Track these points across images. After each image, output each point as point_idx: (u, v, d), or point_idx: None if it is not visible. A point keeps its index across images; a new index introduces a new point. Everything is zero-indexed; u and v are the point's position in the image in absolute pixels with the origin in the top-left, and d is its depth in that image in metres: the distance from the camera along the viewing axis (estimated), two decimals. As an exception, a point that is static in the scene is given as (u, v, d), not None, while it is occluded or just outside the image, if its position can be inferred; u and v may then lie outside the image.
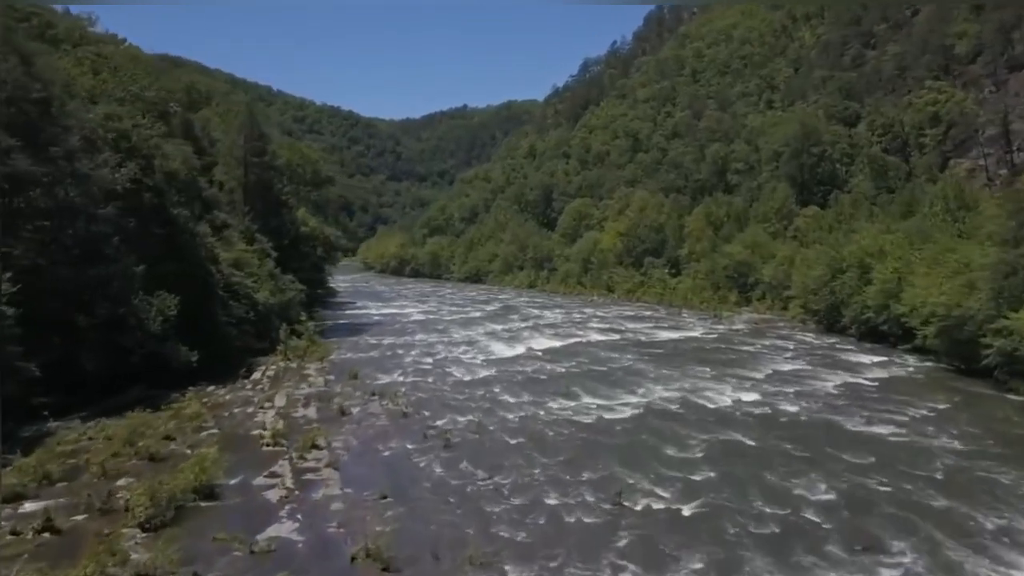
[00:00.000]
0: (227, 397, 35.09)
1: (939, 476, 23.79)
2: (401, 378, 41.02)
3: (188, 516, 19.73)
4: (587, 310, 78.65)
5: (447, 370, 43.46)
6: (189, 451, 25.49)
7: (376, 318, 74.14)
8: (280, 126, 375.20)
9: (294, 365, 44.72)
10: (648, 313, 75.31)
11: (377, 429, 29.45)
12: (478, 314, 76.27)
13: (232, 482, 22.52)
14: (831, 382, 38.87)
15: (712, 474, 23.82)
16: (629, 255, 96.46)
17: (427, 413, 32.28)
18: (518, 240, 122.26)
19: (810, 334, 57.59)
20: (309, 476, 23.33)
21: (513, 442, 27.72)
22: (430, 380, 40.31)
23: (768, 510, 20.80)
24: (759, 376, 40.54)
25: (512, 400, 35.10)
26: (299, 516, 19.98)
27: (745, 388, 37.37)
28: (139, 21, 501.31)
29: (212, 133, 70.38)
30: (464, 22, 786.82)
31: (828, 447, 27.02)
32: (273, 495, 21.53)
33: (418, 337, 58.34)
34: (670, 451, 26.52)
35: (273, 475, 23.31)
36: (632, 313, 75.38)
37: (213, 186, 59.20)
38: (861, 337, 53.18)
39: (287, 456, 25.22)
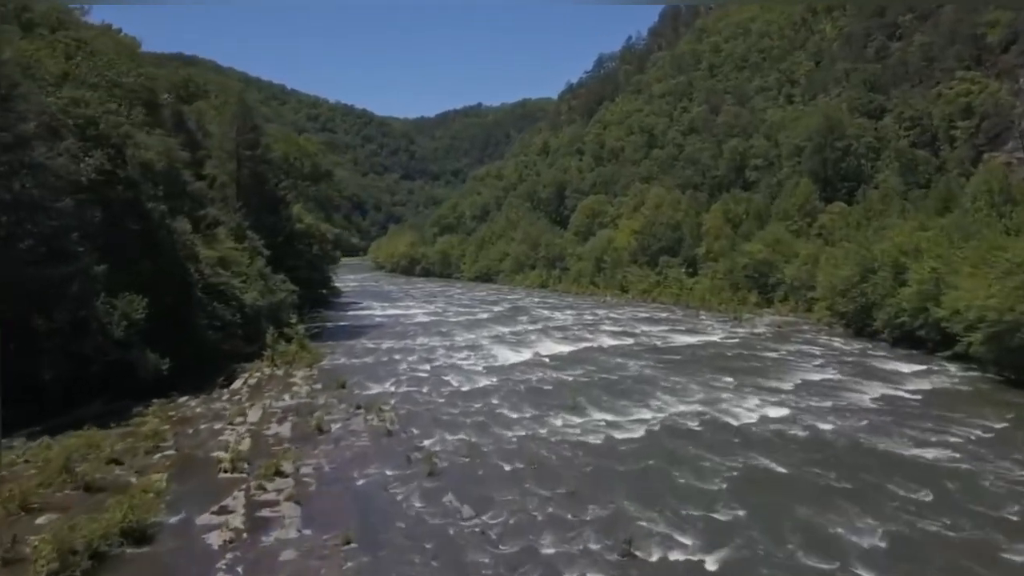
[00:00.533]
0: (197, 410, 31.76)
1: (1011, 516, 20.04)
2: (393, 388, 37.56)
3: (108, 567, 16.42)
4: (599, 311, 74.91)
5: (444, 378, 39.94)
6: (135, 478, 22.16)
7: (378, 319, 70.81)
8: (293, 124, 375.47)
9: (280, 372, 41.44)
10: (664, 315, 71.49)
11: (355, 451, 25.96)
12: (485, 316, 72.75)
13: (172, 520, 19.16)
14: (867, 394, 35.01)
15: (740, 512, 20.18)
16: (644, 254, 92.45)
17: (415, 430, 28.79)
18: (530, 238, 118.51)
19: (838, 338, 53.61)
20: (265, 512, 19.89)
21: (508, 468, 24.17)
22: (424, 390, 36.79)
23: (809, 562, 17.21)
24: (786, 387, 36.73)
25: (512, 415, 31.52)
26: (240, 569, 16.54)
27: (771, 402, 33.61)
28: (153, 21, 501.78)
29: (208, 126, 67.15)
30: (479, 20, 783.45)
31: (873, 476, 23.33)
32: (216, 539, 18.10)
33: (419, 341, 54.90)
34: (689, 481, 22.89)
35: (223, 510, 19.90)
36: (647, 315, 71.60)
37: (205, 181, 56.13)
38: (894, 342, 49.20)
39: (245, 485, 21.81)
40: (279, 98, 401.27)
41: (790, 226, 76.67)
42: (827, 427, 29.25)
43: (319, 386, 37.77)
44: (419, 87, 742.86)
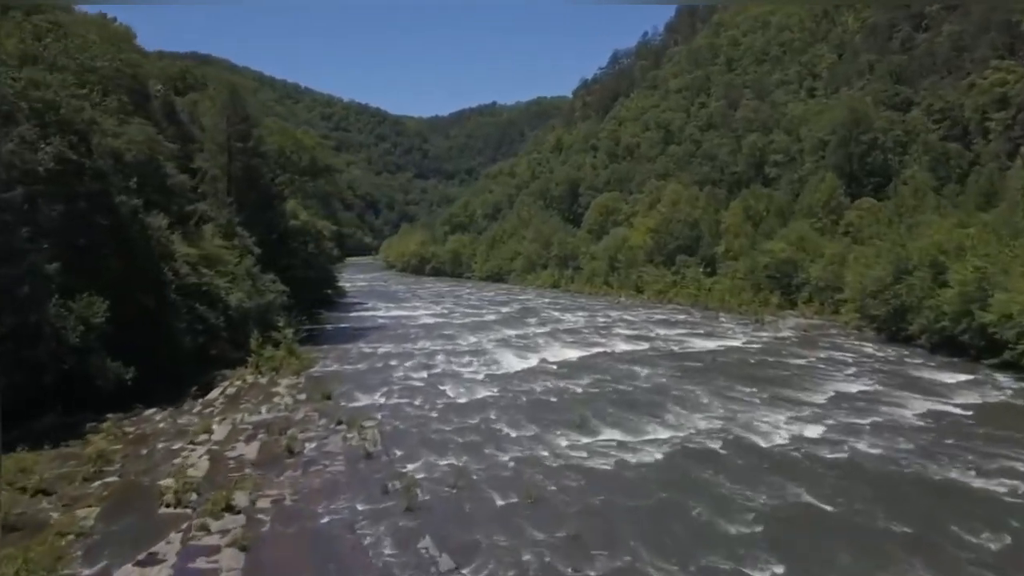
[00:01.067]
0: (160, 425, 28.43)
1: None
2: (383, 399, 34.11)
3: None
4: (613, 313, 71.15)
5: (441, 388, 36.45)
6: (59, 513, 18.82)
7: (381, 321, 67.50)
8: (307, 123, 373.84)
9: (264, 380, 38.09)
10: (681, 317, 67.68)
11: (325, 478, 22.47)
12: (492, 317, 69.22)
13: (86, 573, 15.75)
14: (912, 410, 31.17)
15: (778, 569, 16.53)
16: (660, 253, 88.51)
17: (398, 452, 25.30)
18: (542, 237, 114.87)
19: (869, 344, 49.65)
20: (200, 562, 16.46)
21: (501, 503, 20.62)
22: (416, 402, 33.29)
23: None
24: (820, 400, 32.95)
25: (510, 432, 27.97)
26: (148, 647, 13.10)
27: (805, 418, 29.87)
28: (168, 21, 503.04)
29: (203, 119, 63.97)
30: (494, 19, 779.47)
31: (931, 514, 19.67)
32: (131, 601, 14.68)
33: (419, 344, 51.47)
34: (713, 521, 19.27)
35: (152, 559, 16.48)
36: (663, 317, 67.83)
37: (193, 174, 52.97)
38: (933, 348, 45.27)
39: (187, 524, 18.39)
40: (293, 97, 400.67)
41: (814, 223, 72.64)
42: (869, 450, 25.50)
43: (303, 396, 34.40)
44: (434, 86, 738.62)
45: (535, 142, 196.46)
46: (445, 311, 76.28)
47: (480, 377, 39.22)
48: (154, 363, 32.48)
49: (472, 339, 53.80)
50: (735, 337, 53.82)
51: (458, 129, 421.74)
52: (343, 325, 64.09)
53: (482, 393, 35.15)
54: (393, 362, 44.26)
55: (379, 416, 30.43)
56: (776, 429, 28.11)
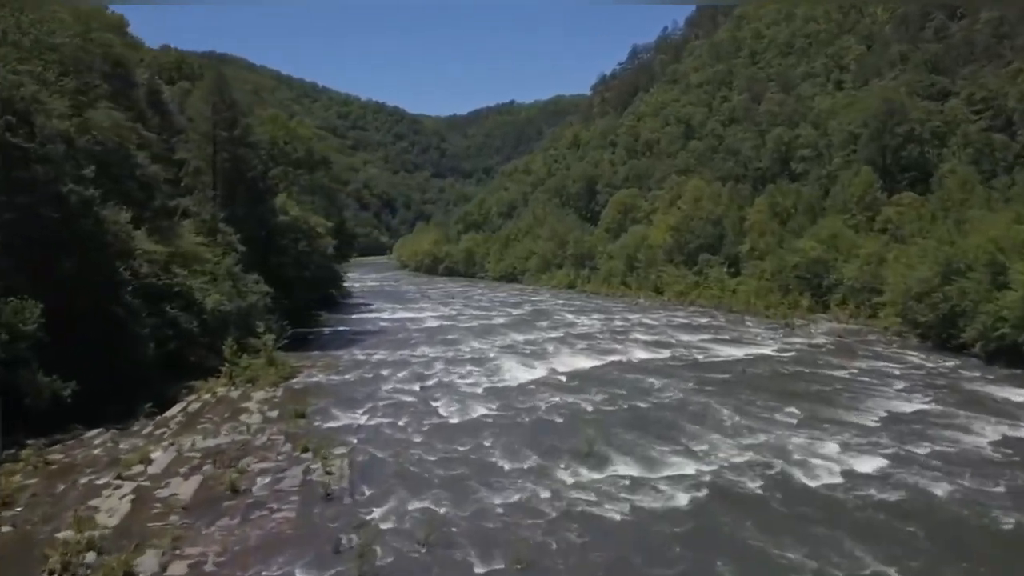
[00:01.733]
0: (96, 452, 24.16)
1: None
2: (364, 418, 29.75)
3: None
4: (631, 316, 66.41)
5: (433, 404, 32.04)
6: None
7: (383, 324, 63.32)
8: (324, 122, 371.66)
9: (236, 393, 33.91)
10: (704, 320, 62.89)
11: (267, 530, 18.05)
12: (502, 320, 64.78)
13: None
14: (981, 435, 26.40)
15: None
16: (681, 252, 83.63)
17: (366, 491, 20.89)
18: (557, 236, 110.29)
19: (915, 352, 44.70)
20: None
21: (481, 570, 16.13)
22: (402, 422, 28.90)
23: None
24: (870, 423, 28.20)
25: (505, 464, 23.47)
26: None
27: (855, 446, 25.14)
28: (185, 21, 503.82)
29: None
30: (514, 18, 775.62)
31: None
32: None
33: (419, 351, 47.17)
34: (759, 599, 14.72)
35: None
36: (685, 320, 63.09)
37: (182, 167, 49.10)
38: (989, 358, 40.32)
39: (67, 603, 14.07)
40: (310, 95, 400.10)
41: (848, 220, 67.51)
42: (944, 493, 20.75)
43: (274, 414, 30.14)
44: (452, 85, 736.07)
45: (552, 138, 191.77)
46: (452, 313, 72.03)
47: (479, 391, 34.75)
48: (109, 374, 28.59)
49: (476, 345, 49.44)
50: (764, 344, 49.02)
51: (476, 128, 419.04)
52: (341, 328, 59.99)
53: (478, 411, 30.68)
54: (385, 372, 39.93)
55: (354, 440, 26.08)
56: (823, 461, 23.42)
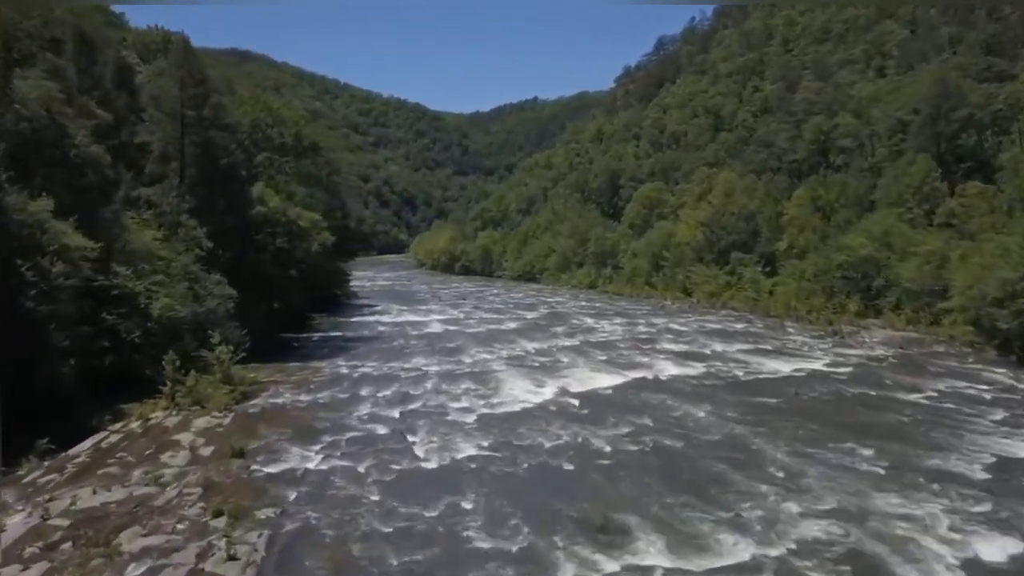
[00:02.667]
0: (-63, 515, 17.95)
1: None
2: (317, 459, 23.27)
3: None
4: (657, 321, 59.50)
5: (409, 439, 25.51)
6: None
7: (381, 329, 57.11)
8: (345, 118, 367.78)
9: (175, 420, 27.72)
10: (739, 326, 55.92)
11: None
12: (513, 325, 58.27)
13: None
14: None
15: None
16: (711, 249, 76.49)
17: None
18: (578, 233, 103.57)
19: (998, 368, 37.53)
20: None
21: None
22: (362, 468, 22.34)
23: None
24: (976, 474, 21.28)
25: (484, 544, 16.86)
26: None
27: (966, 514, 18.27)
28: (209, 18, 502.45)
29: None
30: (538, 14, 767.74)
31: None
32: None
33: (412, 363, 40.87)
34: None
35: None
36: (718, 325, 56.19)
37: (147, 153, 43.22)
38: (1094, 378, 33.30)
39: None
40: (332, 92, 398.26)
41: (902, 214, 60.15)
42: None
43: (208, 451, 23.90)
44: (475, 81, 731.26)
45: (573, 131, 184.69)
46: (461, 316, 65.65)
47: (470, 420, 28.16)
48: (10, 398, 22.52)
49: (480, 355, 43.00)
50: (814, 356, 42.05)
51: (498, 125, 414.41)
52: (333, 334, 53.87)
53: (464, 450, 24.09)
54: (365, 390, 33.54)
55: (292, 496, 19.67)
56: (930, 541, 16.63)
